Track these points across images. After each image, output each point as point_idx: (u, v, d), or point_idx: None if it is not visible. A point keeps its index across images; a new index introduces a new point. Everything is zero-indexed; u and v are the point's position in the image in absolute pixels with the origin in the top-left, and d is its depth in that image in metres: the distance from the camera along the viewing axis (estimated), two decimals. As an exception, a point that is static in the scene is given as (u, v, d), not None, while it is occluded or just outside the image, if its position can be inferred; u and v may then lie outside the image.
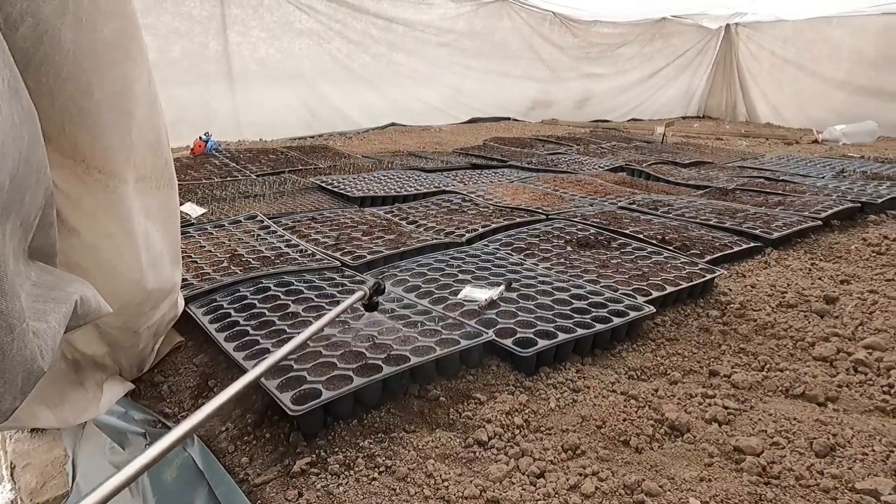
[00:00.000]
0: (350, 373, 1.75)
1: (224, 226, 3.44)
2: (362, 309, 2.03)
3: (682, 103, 13.08)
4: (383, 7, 8.78)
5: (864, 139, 8.63)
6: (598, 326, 2.14)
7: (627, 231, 3.41)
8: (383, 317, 2.16)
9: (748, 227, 3.55)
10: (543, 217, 3.78)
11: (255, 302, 2.33)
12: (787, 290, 2.75)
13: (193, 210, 3.76)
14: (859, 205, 4.15)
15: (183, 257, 2.96)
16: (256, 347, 1.97)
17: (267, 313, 2.23)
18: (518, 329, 2.08)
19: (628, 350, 2.19)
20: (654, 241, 3.24)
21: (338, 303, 2.32)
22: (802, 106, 10.97)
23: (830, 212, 3.89)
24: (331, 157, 6.11)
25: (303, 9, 8.04)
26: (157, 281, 1.78)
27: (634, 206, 4.10)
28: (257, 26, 7.68)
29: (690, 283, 2.62)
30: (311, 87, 8.32)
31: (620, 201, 4.28)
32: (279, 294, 2.40)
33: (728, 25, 12.39)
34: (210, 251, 3.00)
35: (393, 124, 9.23)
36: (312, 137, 8.09)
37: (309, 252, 2.97)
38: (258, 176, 5.01)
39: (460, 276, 2.63)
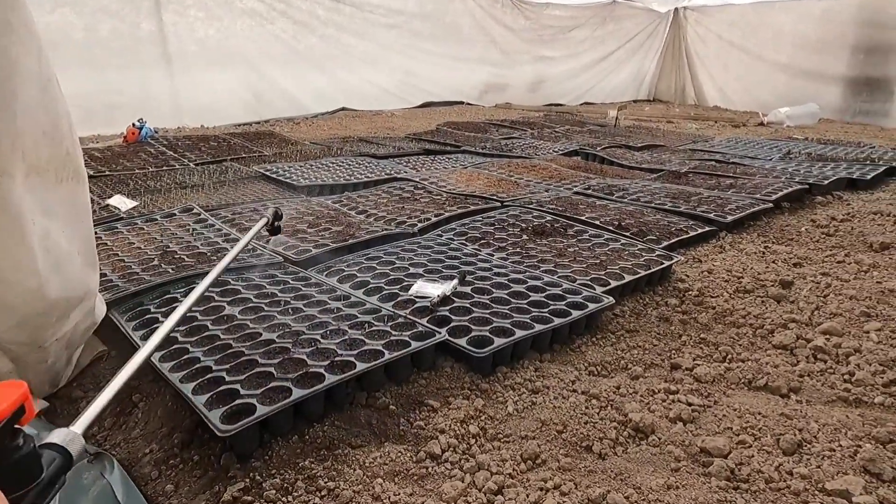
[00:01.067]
0: (289, 384, 1.58)
1: (156, 219, 3.19)
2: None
3: (634, 86, 13.19)
4: (329, -14, 8.45)
5: (806, 121, 8.86)
6: (557, 321, 2.03)
7: (584, 217, 3.33)
8: (328, 318, 2.00)
9: (703, 211, 3.52)
10: (498, 204, 3.66)
11: (187, 305, 2.12)
12: (743, 275, 2.72)
13: (123, 203, 3.48)
14: (807, 186, 4.20)
15: (109, 255, 2.71)
16: (186, 356, 1.78)
17: (199, 317, 2.04)
18: (473, 327, 1.96)
19: (588, 344, 2.10)
20: (610, 228, 3.17)
21: (279, 303, 2.15)
22: (748, 89, 11.20)
23: (781, 194, 3.91)
24: (277, 143, 5.83)
25: (243, -13, 7.64)
26: (64, 288, 1.57)
27: (590, 192, 4.03)
28: (194, 5, 7.24)
29: (648, 271, 2.56)
30: (255, 70, 7.93)
31: (576, 186, 4.20)
32: (213, 295, 2.20)
33: (677, 9, 12.51)
34: (139, 248, 2.76)
35: (343, 109, 8.94)
36: (258, 123, 7.73)
37: (249, 247, 2.76)
38: (197, 165, 4.71)
39: (412, 270, 2.48)
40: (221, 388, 1.59)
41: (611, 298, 2.20)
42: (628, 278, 2.46)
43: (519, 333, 1.91)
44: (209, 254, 2.68)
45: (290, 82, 8.28)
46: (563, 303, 2.18)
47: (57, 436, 0.67)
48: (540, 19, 11.28)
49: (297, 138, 6.32)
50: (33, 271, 1.38)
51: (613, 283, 2.40)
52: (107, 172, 4.32)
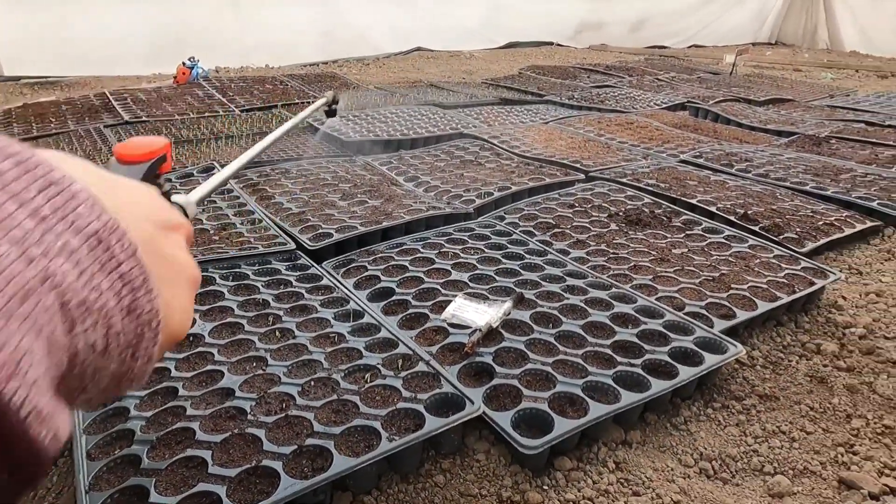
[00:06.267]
0: (221, 488, 1.02)
1: (171, 180, 2.71)
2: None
3: (753, 27, 11.40)
4: None
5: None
6: (655, 384, 1.35)
7: (695, 201, 2.53)
8: (321, 352, 1.42)
9: (860, 197, 2.62)
10: (582, 175, 2.91)
11: (150, 313, 1.62)
12: (933, 305, 1.88)
13: (143, 157, 3.03)
14: None
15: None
16: (119, 402, 1.27)
17: (159, 335, 1.52)
18: (525, 390, 1.31)
19: (700, 418, 1.41)
20: (732, 219, 2.36)
21: (267, 319, 1.59)
22: (902, 30, 9.33)
23: (973, 176, 2.90)
24: (336, 88, 5.24)
25: None
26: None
27: (702, 161, 3.17)
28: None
29: (792, 296, 1.78)
30: (325, 4, 7.29)
31: (683, 152, 3.35)
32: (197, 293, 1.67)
33: (817, -68, 10.54)
34: (138, 218, 2.28)
35: (419, 49, 8.17)
36: (326, 63, 7.16)
37: (262, 225, 2.22)
38: (243, 111, 4.22)
39: (454, 275, 1.85)
40: (129, 482, 1.06)
41: (740, 348, 1.47)
42: (762, 307, 1.71)
43: (595, 409, 1.25)
44: (211, 231, 2.17)
45: (362, 17, 7.57)
46: (666, 348, 1.48)
47: (177, 197, 0.61)
48: (647, -54, 9.81)
49: (361, 81, 5.71)
50: None
51: (741, 316, 1.66)
52: (143, 118, 3.90)
